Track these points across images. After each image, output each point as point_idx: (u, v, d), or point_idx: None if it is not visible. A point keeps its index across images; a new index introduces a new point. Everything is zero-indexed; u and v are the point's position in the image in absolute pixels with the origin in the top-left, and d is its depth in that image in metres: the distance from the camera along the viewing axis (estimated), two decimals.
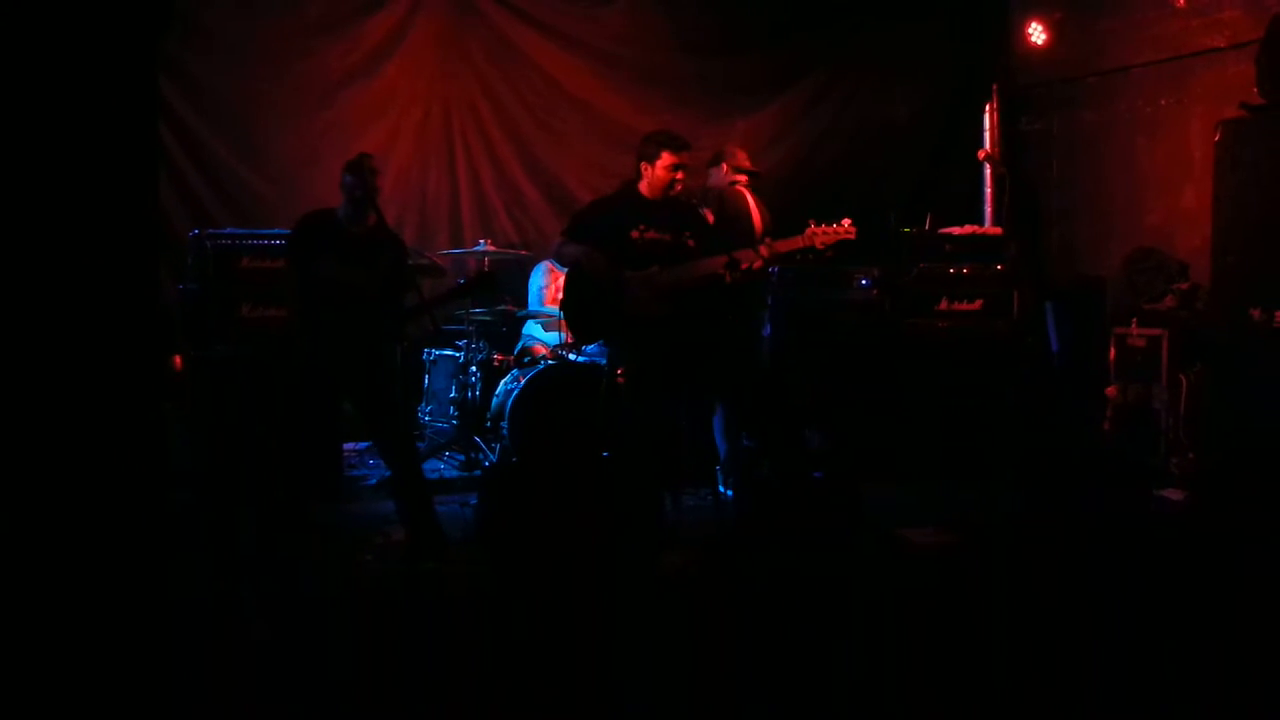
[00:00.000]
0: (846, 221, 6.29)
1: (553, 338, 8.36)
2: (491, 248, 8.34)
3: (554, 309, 8.34)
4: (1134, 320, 8.11)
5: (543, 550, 5.53)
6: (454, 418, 8.09)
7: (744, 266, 6.14)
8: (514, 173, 9.42)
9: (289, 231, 6.13)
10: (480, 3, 9.20)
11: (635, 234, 6.24)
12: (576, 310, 6.48)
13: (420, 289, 6.04)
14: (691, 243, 6.35)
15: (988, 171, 10.24)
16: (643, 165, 6.31)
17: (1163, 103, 9.21)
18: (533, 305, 8.48)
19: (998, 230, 8.91)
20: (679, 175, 6.27)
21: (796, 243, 6.28)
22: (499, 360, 8.15)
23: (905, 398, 7.92)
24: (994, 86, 10.43)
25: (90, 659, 3.51)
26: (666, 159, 6.24)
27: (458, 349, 8.11)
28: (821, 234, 6.24)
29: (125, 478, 3.63)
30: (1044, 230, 10.18)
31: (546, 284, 8.48)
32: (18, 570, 3.47)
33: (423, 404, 8.52)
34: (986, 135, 10.45)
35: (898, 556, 5.95)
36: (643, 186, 6.35)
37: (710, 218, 7.16)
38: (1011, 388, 7.81)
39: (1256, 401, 7.09)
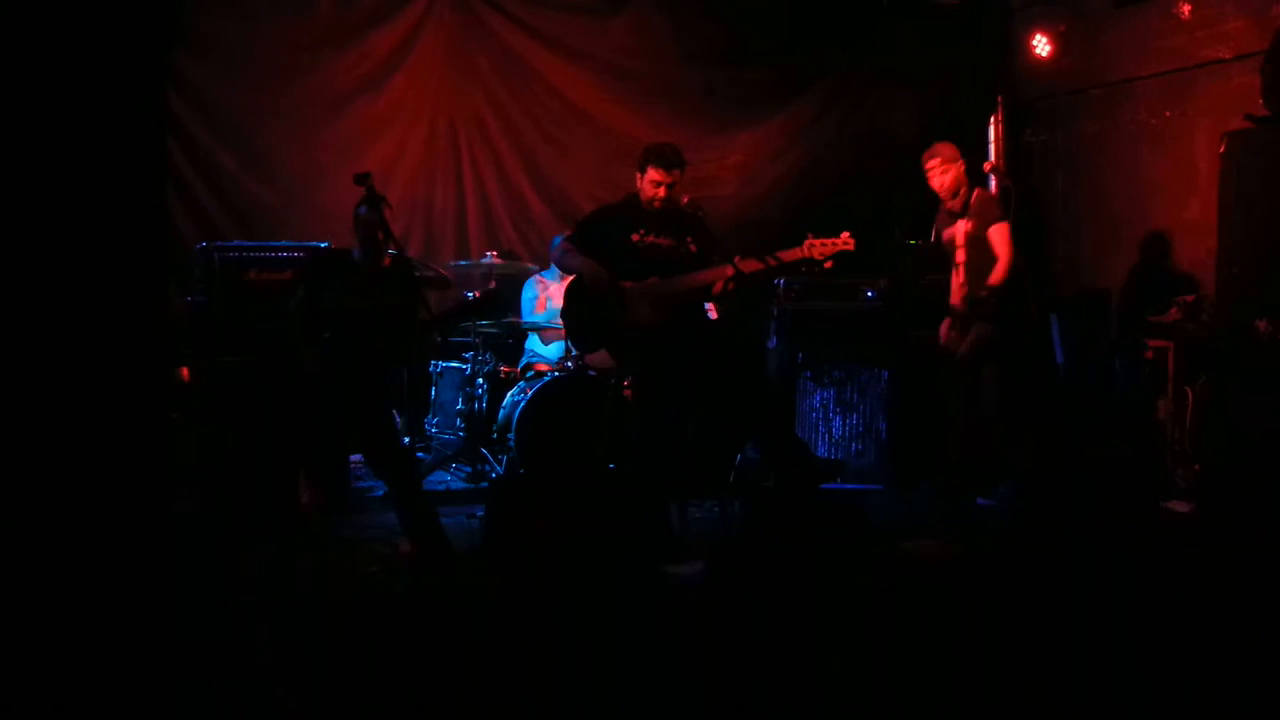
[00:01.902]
0: (845, 234, 6.31)
1: (553, 351, 8.37)
2: (498, 260, 8.35)
3: (541, 316, 8.36)
4: (1139, 332, 8.10)
5: (549, 562, 5.53)
6: (460, 429, 8.10)
7: (747, 272, 6.16)
8: (520, 185, 9.43)
9: (295, 244, 6.20)
10: (487, 16, 9.22)
11: (635, 237, 6.29)
12: (577, 321, 6.50)
13: (428, 305, 6.09)
14: (694, 248, 6.38)
15: (993, 183, 10.22)
16: (636, 175, 6.39)
17: (1167, 114, 9.21)
18: (525, 318, 8.48)
19: None
20: (660, 193, 6.30)
21: (795, 254, 6.30)
22: (505, 372, 8.16)
23: (911, 409, 7.92)
24: (999, 98, 10.44)
25: (93, 665, 3.52)
26: (651, 174, 6.30)
27: (464, 361, 8.12)
28: (820, 246, 6.26)
29: (130, 487, 3.64)
30: (1049, 242, 10.20)
31: (536, 294, 8.50)
32: (24, 575, 3.48)
33: (429, 416, 8.53)
34: (991, 147, 10.47)
35: (902, 568, 5.94)
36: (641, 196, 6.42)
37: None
38: (1017, 399, 7.79)
39: (1262, 413, 7.08)
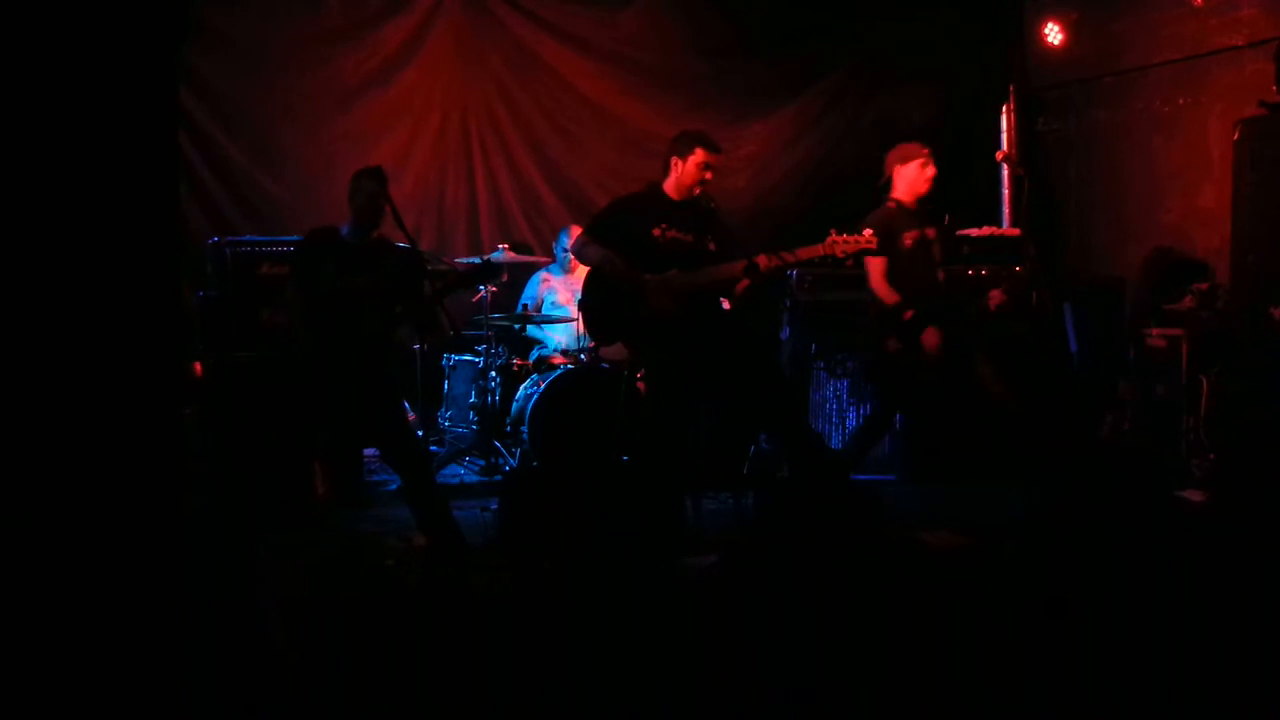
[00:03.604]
0: (868, 232, 6.22)
1: (562, 336, 8.39)
2: (510, 254, 8.35)
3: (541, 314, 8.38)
4: (1153, 320, 8.08)
5: (563, 554, 5.53)
6: (474, 423, 8.11)
7: (763, 269, 6.12)
8: (531, 178, 9.44)
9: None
10: (497, 8, 9.22)
11: (657, 232, 6.23)
12: (596, 312, 6.48)
13: (435, 289, 6.07)
14: (713, 246, 6.34)
15: (1005, 172, 10.22)
16: (673, 160, 6.29)
17: (1180, 102, 9.17)
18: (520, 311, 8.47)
19: (1016, 231, 8.90)
20: (708, 175, 6.27)
21: (817, 250, 6.23)
22: (518, 365, 8.16)
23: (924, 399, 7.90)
24: (1010, 87, 10.42)
25: (105, 660, 3.53)
26: (700, 155, 6.23)
27: (477, 354, 8.12)
28: (842, 243, 6.19)
29: (144, 482, 3.64)
30: (1062, 231, 10.17)
31: (536, 294, 8.51)
32: (37, 571, 3.49)
33: (442, 409, 8.54)
34: (1004, 136, 10.44)
35: (916, 559, 5.94)
36: (668, 185, 6.33)
37: None
38: (1030, 389, 7.77)
39: (1277, 401, 7.06)
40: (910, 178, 6.94)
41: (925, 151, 7.01)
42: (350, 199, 5.91)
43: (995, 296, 6.98)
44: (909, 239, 6.85)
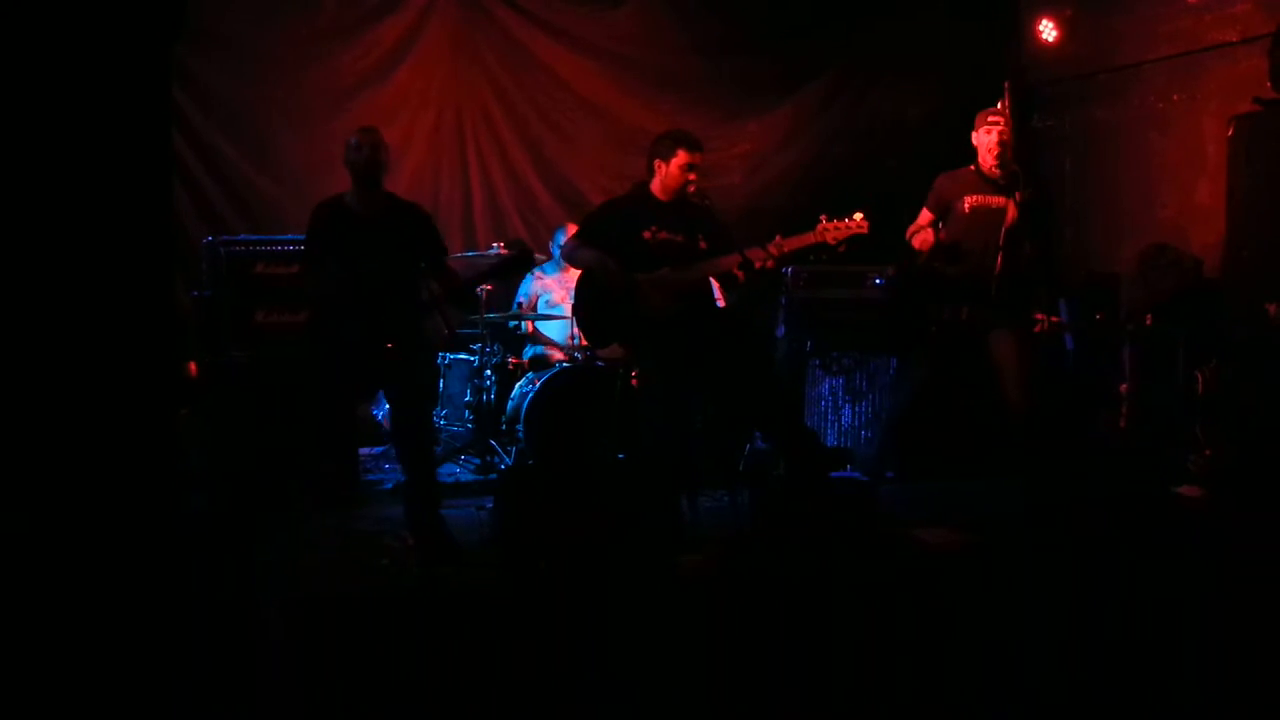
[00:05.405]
0: (858, 215, 6.22)
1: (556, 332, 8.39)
2: (505, 252, 8.33)
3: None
4: (1148, 317, 8.07)
5: (559, 553, 5.53)
6: (469, 421, 8.09)
7: (757, 265, 6.12)
8: (526, 176, 9.44)
9: (302, 237, 6.12)
10: (491, 6, 9.22)
11: (647, 234, 6.24)
12: (589, 314, 6.48)
13: (441, 281, 6.05)
14: (704, 244, 6.33)
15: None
16: (656, 163, 6.30)
17: (1175, 98, 9.18)
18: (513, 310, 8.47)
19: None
20: (692, 175, 6.26)
21: (808, 239, 6.22)
22: (514, 363, 8.15)
23: (920, 396, 7.89)
24: (1006, 84, 10.40)
25: (103, 659, 3.53)
26: (682, 157, 6.23)
27: (472, 353, 8.11)
28: (833, 229, 6.19)
29: (139, 482, 3.64)
30: (1057, 228, 10.16)
31: (531, 292, 8.49)
32: (34, 570, 3.49)
33: (438, 408, 8.53)
34: None
35: (913, 557, 5.94)
36: (655, 187, 6.34)
37: None
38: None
39: (1273, 396, 7.06)
40: (980, 146, 6.85)
41: (989, 118, 6.89)
42: (346, 163, 5.87)
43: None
44: (968, 203, 6.77)
